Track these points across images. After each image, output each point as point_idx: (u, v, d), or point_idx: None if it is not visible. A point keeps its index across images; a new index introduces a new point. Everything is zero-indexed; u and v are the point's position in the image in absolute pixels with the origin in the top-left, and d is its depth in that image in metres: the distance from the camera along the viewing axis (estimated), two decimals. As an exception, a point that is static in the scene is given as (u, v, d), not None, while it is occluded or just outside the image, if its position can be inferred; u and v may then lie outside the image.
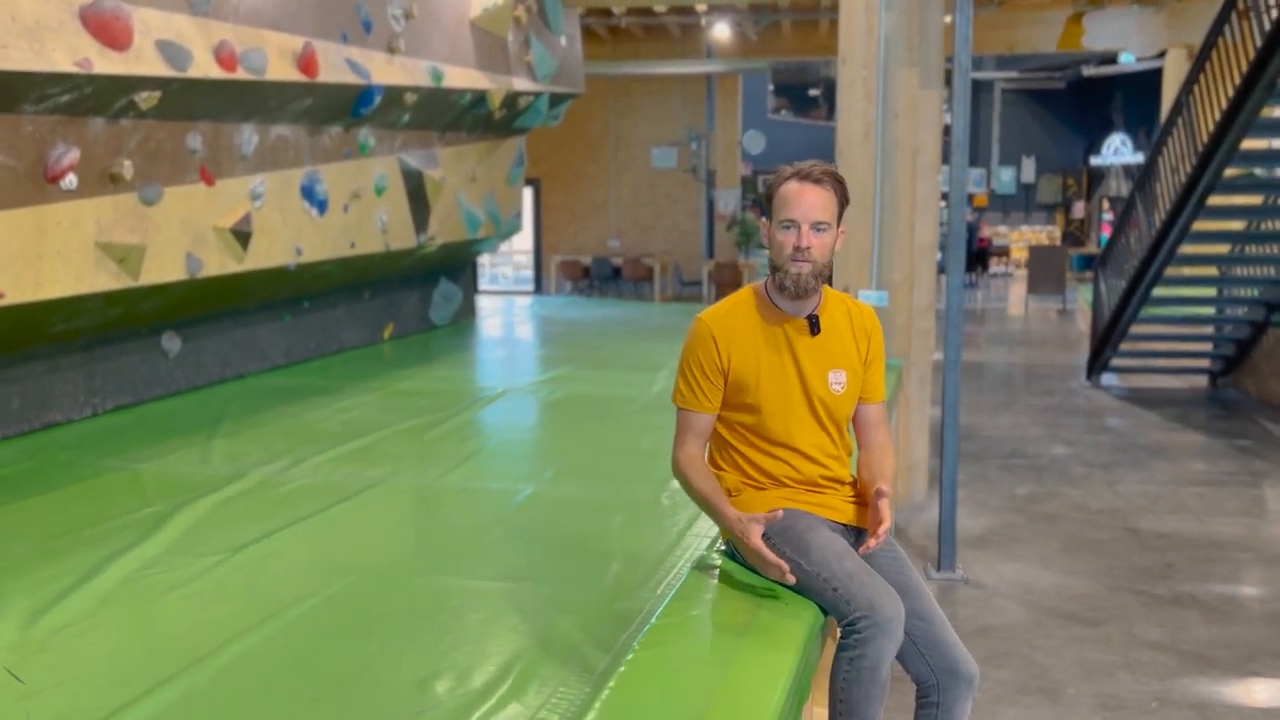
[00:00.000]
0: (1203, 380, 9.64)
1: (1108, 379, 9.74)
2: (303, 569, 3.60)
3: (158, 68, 5.20)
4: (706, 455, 2.65)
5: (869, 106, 5.01)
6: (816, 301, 2.48)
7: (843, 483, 2.53)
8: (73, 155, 5.00)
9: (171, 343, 6.72)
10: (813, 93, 20.04)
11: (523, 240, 17.21)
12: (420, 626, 3.11)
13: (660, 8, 12.65)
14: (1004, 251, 24.05)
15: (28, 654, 2.87)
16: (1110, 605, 4.09)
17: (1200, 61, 7.94)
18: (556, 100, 10.79)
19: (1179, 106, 8.30)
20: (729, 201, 16.98)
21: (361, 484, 4.67)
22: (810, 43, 14.87)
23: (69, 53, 4.69)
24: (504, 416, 6.73)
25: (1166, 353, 9.86)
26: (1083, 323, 13.01)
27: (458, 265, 11.03)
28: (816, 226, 2.38)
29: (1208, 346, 9.73)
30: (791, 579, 2.23)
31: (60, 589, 3.32)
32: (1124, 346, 9.58)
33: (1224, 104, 7.21)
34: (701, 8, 12.97)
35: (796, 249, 2.38)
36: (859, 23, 4.99)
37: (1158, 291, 8.99)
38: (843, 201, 2.45)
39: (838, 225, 2.44)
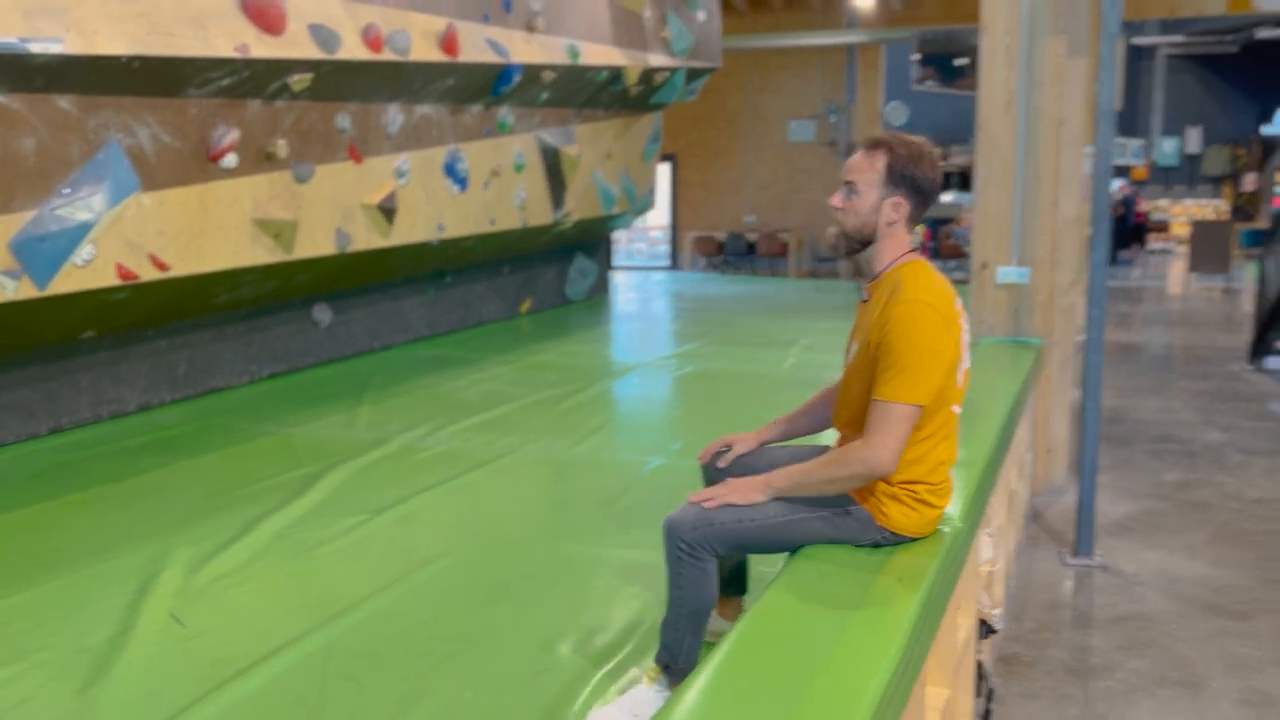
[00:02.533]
0: (1382, 365, 8.97)
1: (1273, 362, 9.16)
2: (438, 531, 3.76)
3: (310, 51, 5.44)
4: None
5: (1011, 75, 4.84)
6: (879, 271, 2.36)
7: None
8: (233, 136, 5.30)
9: (322, 314, 7.06)
10: (959, 62, 19.37)
11: (659, 216, 17.28)
12: (547, 590, 3.22)
13: (800, -21, 12.46)
14: (1164, 226, 22.81)
15: (190, 600, 3.10)
16: (1262, 598, 3.88)
17: (1387, 20, 7.33)
18: (693, 75, 10.77)
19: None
20: (869, 176, 16.61)
21: (495, 452, 4.83)
22: (957, 10, 14.38)
23: (229, 38, 4.96)
24: (635, 390, 6.83)
25: (1341, 335, 9.19)
26: (1248, 303, 12.25)
27: (593, 241, 11.19)
28: (847, 187, 2.34)
29: (1388, 329, 9.03)
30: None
31: (219, 542, 3.57)
32: (1292, 328, 8.98)
33: None
34: (843, -23, 12.70)
35: (831, 205, 2.40)
36: (1002, -12, 4.82)
37: (1332, 269, 8.40)
38: (894, 168, 2.29)
39: (887, 192, 2.30)
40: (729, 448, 2.64)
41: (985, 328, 5.10)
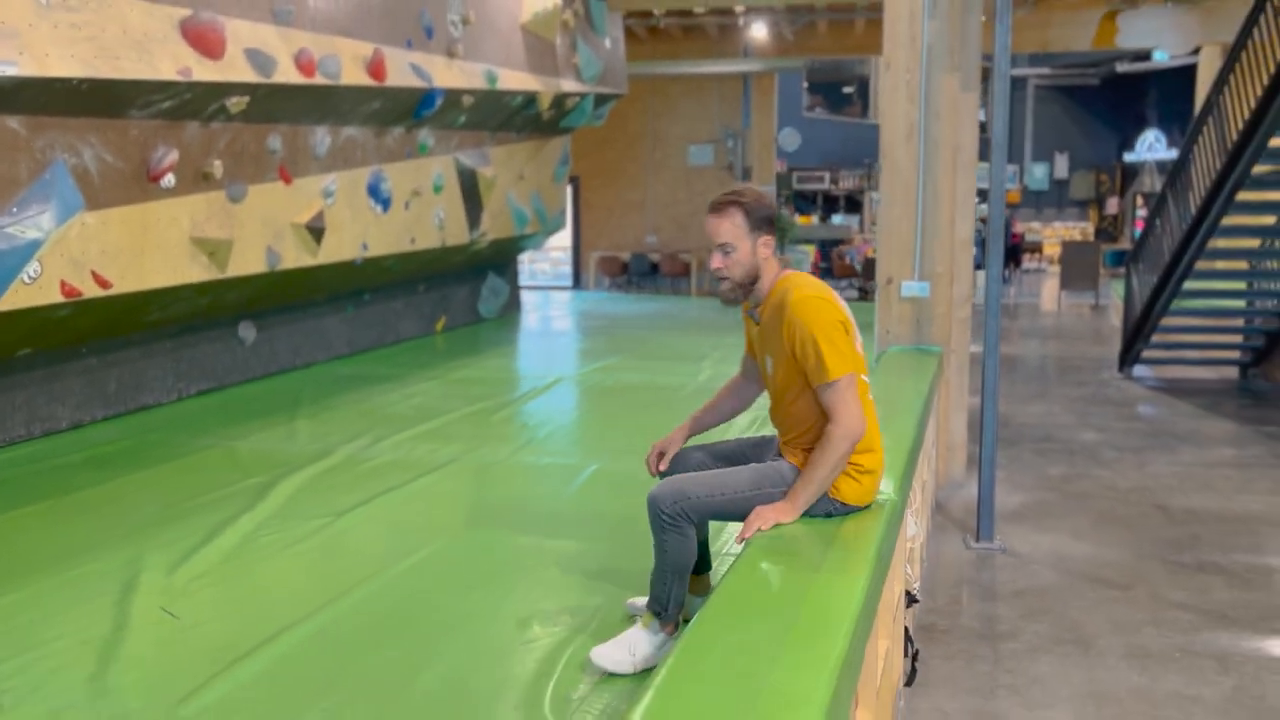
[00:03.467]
0: (1233, 371, 9.84)
1: (1139, 370, 9.97)
2: (400, 531, 3.98)
3: (247, 74, 5.60)
4: (737, 380, 3.09)
5: (912, 109, 5.32)
6: (765, 293, 2.75)
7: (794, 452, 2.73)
8: (172, 156, 5.42)
9: (247, 332, 7.14)
10: (846, 90, 20.25)
11: (560, 236, 17.58)
12: (513, 579, 3.48)
13: (699, 9, 12.97)
14: (1037, 247, 24.17)
15: (175, 597, 3.26)
16: (1139, 571, 4.39)
17: (1231, 60, 8.16)
18: (601, 100, 11.14)
19: (1210, 104, 8.53)
20: (764, 198, 17.23)
21: (440, 460, 5.05)
22: (846, 42, 15.14)
23: (172, 62, 5.10)
24: (561, 402, 7.11)
25: (1197, 344, 10.06)
26: (1115, 317, 13.21)
27: (505, 261, 11.44)
28: (722, 249, 2.72)
29: (1238, 338, 9.92)
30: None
31: (189, 546, 3.72)
32: (1155, 339, 9.79)
33: (1254, 102, 7.45)
34: (739, 9, 13.28)
35: (715, 269, 2.75)
36: (903, 30, 5.30)
37: (1189, 285, 9.20)
38: (751, 216, 2.68)
39: (755, 237, 2.67)
40: (663, 454, 2.99)
41: (891, 337, 5.56)
